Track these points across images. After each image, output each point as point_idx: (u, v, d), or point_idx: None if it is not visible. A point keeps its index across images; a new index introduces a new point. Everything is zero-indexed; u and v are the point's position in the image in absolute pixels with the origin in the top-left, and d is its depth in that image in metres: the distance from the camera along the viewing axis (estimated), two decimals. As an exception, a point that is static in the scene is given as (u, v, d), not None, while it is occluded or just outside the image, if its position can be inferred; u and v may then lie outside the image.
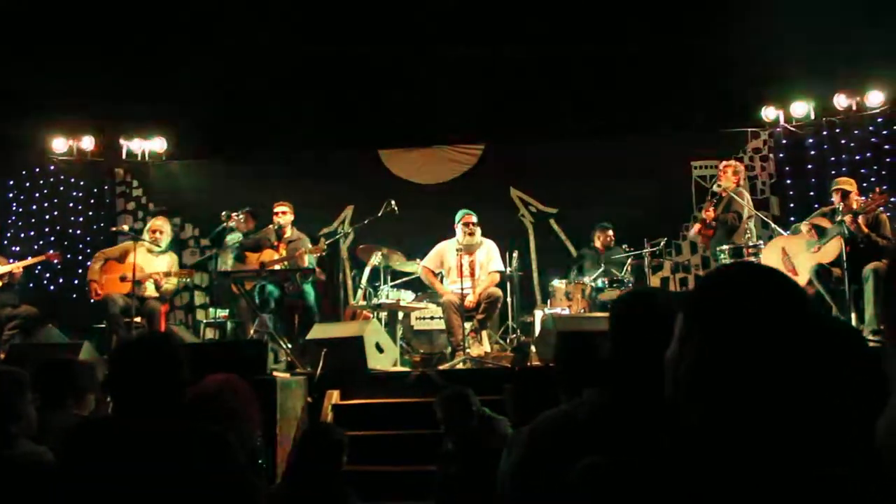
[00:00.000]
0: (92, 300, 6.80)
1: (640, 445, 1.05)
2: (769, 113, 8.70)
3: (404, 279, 7.42)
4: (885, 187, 6.11)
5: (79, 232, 9.09)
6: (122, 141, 9.21)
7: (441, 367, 5.98)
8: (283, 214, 7.04)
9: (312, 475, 2.97)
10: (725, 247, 6.39)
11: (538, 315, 7.23)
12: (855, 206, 5.86)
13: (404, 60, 8.72)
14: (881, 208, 5.92)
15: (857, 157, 8.30)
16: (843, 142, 8.43)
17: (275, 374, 5.19)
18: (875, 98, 8.19)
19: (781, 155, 8.81)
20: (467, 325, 6.52)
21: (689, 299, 1.08)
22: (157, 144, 9.28)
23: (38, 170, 9.10)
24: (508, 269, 6.95)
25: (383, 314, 6.93)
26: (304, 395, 5.33)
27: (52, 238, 8.91)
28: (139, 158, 9.32)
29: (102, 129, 9.04)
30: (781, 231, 6.84)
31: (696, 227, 6.95)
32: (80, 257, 8.82)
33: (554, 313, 6.70)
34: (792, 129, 8.68)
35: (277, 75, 8.88)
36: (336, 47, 8.60)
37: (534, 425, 1.50)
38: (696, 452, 0.97)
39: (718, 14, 7.78)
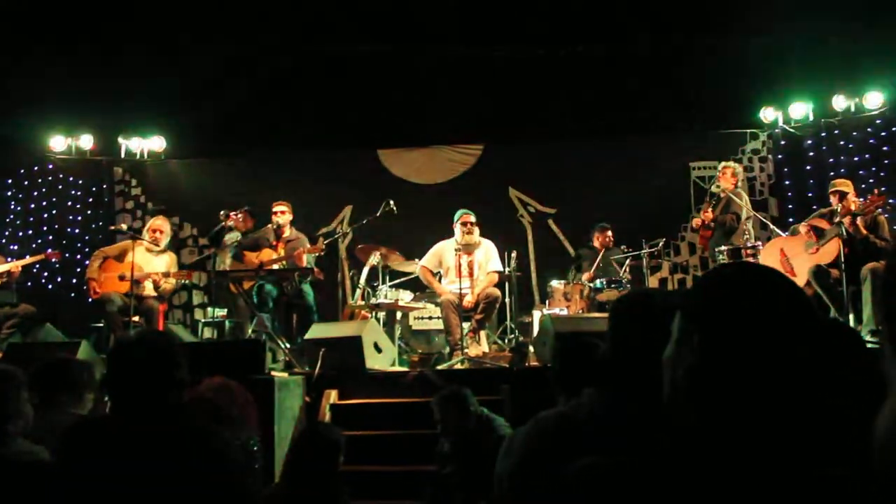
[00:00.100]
0: (90, 299, 6.79)
1: (639, 446, 1.04)
2: (768, 114, 8.71)
3: (403, 279, 7.42)
4: (883, 189, 6.12)
5: (77, 231, 9.09)
6: (120, 140, 9.20)
7: (439, 367, 5.98)
8: (282, 214, 7.03)
9: (309, 475, 2.97)
10: (724, 248, 6.40)
11: (536, 315, 7.23)
12: (853, 207, 5.87)
13: (404, 60, 8.72)
14: (879, 210, 5.93)
15: (856, 159, 8.31)
16: (841, 143, 8.44)
17: (273, 373, 5.19)
18: (874, 100, 8.21)
19: (780, 156, 8.83)
20: (465, 325, 6.52)
21: (687, 300, 1.08)
22: (155, 143, 9.27)
23: (36, 168, 9.09)
24: (507, 269, 6.95)
25: (381, 314, 6.93)
26: (302, 395, 5.32)
27: (51, 237, 8.90)
28: (138, 157, 9.32)
29: (101, 127, 9.03)
30: (780, 232, 6.85)
31: (697, 221, 6.95)
32: (79, 256, 8.82)
33: (552, 314, 6.70)
34: (791, 130, 8.69)
35: (277, 75, 8.88)
36: (336, 47, 8.60)
37: (531, 426, 1.50)
38: (694, 453, 0.97)
39: (718, 15, 7.79)
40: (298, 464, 3.05)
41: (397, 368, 5.97)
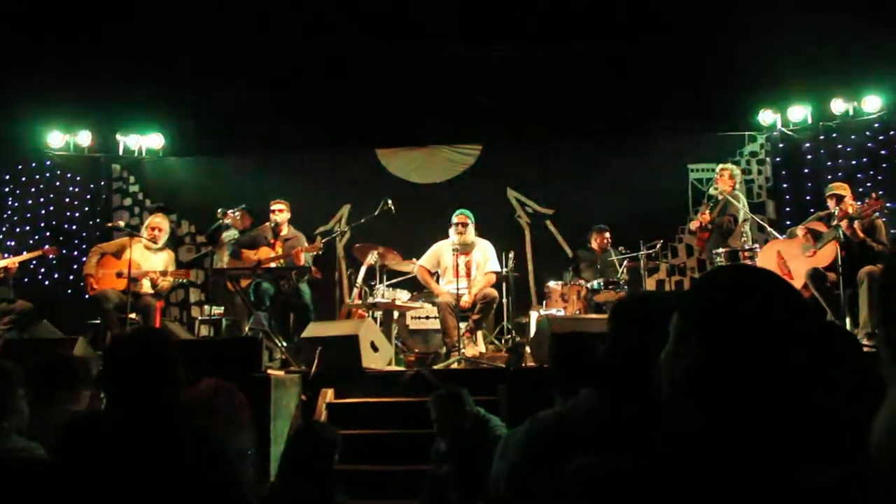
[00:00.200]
0: (87, 295, 6.78)
1: (636, 447, 1.05)
2: (766, 117, 8.71)
3: (400, 278, 7.42)
4: (881, 192, 6.13)
5: (74, 227, 9.06)
6: (118, 137, 9.19)
7: (436, 367, 5.98)
8: (280, 212, 7.03)
9: (305, 473, 2.97)
10: (721, 250, 6.41)
11: (533, 316, 7.23)
12: (850, 210, 5.88)
13: (403, 60, 8.72)
14: (877, 213, 5.94)
15: (854, 162, 8.32)
16: (839, 146, 8.45)
17: (269, 371, 5.18)
18: (872, 103, 8.22)
19: (778, 159, 8.83)
20: (462, 326, 6.52)
21: (684, 301, 1.08)
22: (153, 140, 9.25)
23: (34, 165, 9.07)
24: (504, 269, 6.95)
25: (379, 313, 6.93)
26: (299, 394, 5.32)
27: (48, 233, 8.86)
28: (136, 154, 9.30)
29: (99, 124, 9.01)
30: (777, 235, 6.86)
31: (695, 223, 6.96)
32: (76, 253, 8.80)
33: (549, 314, 6.70)
34: (789, 133, 8.70)
35: (276, 74, 8.87)
36: (335, 46, 8.59)
37: (529, 426, 1.50)
38: (691, 454, 0.97)
39: (717, 17, 7.80)
40: (294, 462, 3.06)
41: (394, 368, 5.97)
